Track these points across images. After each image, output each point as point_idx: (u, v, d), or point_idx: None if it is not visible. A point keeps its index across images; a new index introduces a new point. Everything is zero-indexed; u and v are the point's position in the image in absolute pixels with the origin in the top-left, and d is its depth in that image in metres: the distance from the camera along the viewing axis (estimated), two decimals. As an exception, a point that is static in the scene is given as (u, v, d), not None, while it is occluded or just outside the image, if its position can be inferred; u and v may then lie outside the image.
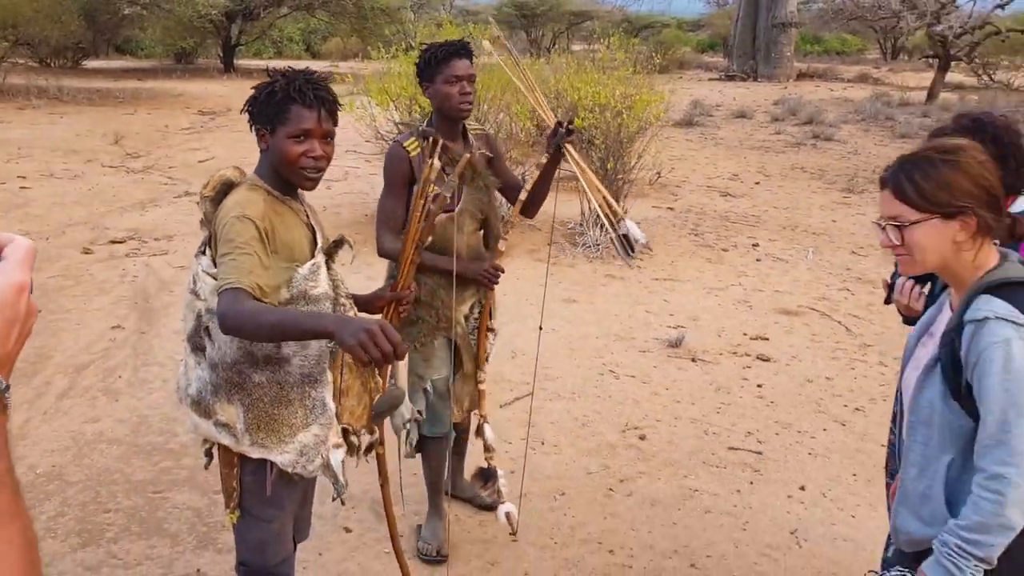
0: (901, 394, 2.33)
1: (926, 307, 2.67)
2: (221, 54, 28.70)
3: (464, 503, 4.07)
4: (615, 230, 3.28)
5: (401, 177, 3.42)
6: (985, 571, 1.98)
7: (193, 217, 9.43)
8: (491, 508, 3.92)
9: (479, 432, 3.76)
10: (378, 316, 2.80)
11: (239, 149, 12.76)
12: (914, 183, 2.02)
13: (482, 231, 3.64)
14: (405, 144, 3.43)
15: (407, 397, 2.83)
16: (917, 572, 2.06)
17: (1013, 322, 1.93)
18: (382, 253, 3.45)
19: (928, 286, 2.83)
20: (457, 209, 3.42)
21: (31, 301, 0.89)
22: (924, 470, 2.12)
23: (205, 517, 3.95)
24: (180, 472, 4.32)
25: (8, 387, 0.88)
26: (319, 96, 2.43)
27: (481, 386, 3.70)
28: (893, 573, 2.17)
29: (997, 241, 2.22)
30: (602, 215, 3.27)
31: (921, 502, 2.13)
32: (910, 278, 2.85)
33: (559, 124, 3.34)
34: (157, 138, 14.50)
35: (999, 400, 1.91)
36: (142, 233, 8.78)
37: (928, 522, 2.11)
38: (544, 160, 3.44)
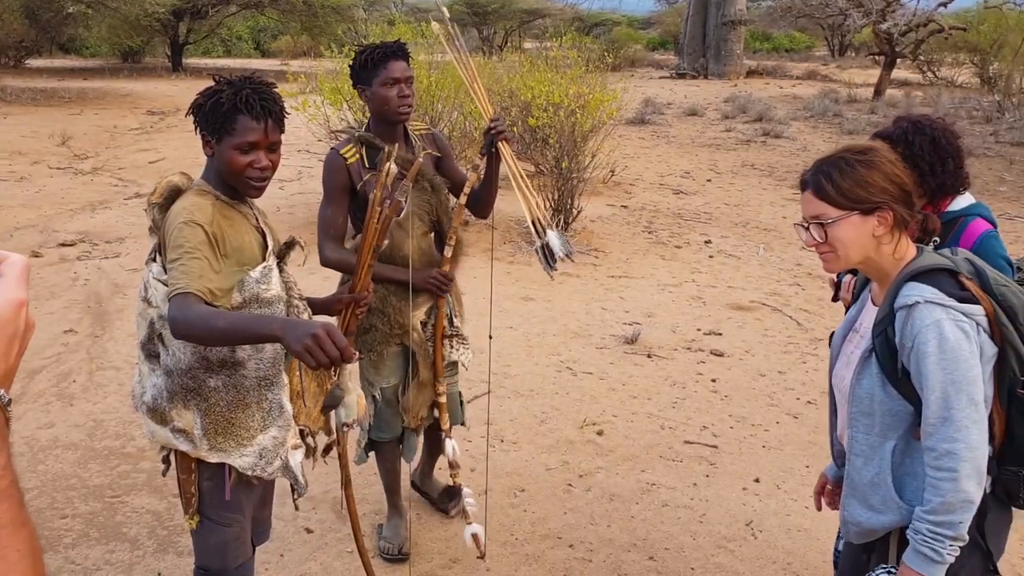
0: (833, 392, 2.42)
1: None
2: (169, 53, 28.39)
3: (427, 502, 4.08)
4: (540, 237, 3.18)
5: (340, 185, 3.39)
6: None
7: (145, 219, 9.32)
8: (446, 512, 3.96)
9: (443, 449, 3.68)
10: (334, 319, 2.81)
11: (190, 149, 12.61)
12: (833, 182, 2.14)
13: (434, 233, 3.58)
14: (342, 151, 3.39)
15: (347, 399, 2.77)
16: (900, 565, 2.13)
17: (941, 304, 2.04)
18: (324, 262, 3.42)
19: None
20: (403, 212, 3.39)
21: (28, 316, 0.91)
22: (870, 459, 2.20)
23: (165, 520, 3.93)
24: (138, 476, 4.29)
25: (10, 400, 0.90)
26: (266, 107, 2.41)
27: (441, 399, 3.59)
28: (879, 572, 2.24)
29: (937, 240, 2.32)
30: (529, 221, 3.17)
31: (871, 490, 2.21)
32: (855, 275, 2.93)
33: (492, 121, 3.27)
34: (105, 139, 14.31)
35: (938, 379, 2.01)
36: (93, 235, 8.67)
37: (879, 509, 2.19)
38: (479, 161, 3.38)
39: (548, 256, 3.16)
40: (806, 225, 2.20)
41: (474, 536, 3.40)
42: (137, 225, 8.94)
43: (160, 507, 4.03)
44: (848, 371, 2.26)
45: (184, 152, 12.69)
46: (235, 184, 2.47)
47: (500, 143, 3.26)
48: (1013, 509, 2.24)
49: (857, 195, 2.12)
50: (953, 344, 2.01)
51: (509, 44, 34.83)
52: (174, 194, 2.48)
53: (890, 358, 2.11)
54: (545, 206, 8.80)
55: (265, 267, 2.49)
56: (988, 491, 2.13)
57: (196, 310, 2.18)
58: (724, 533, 3.98)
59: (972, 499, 2.02)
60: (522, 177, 3.17)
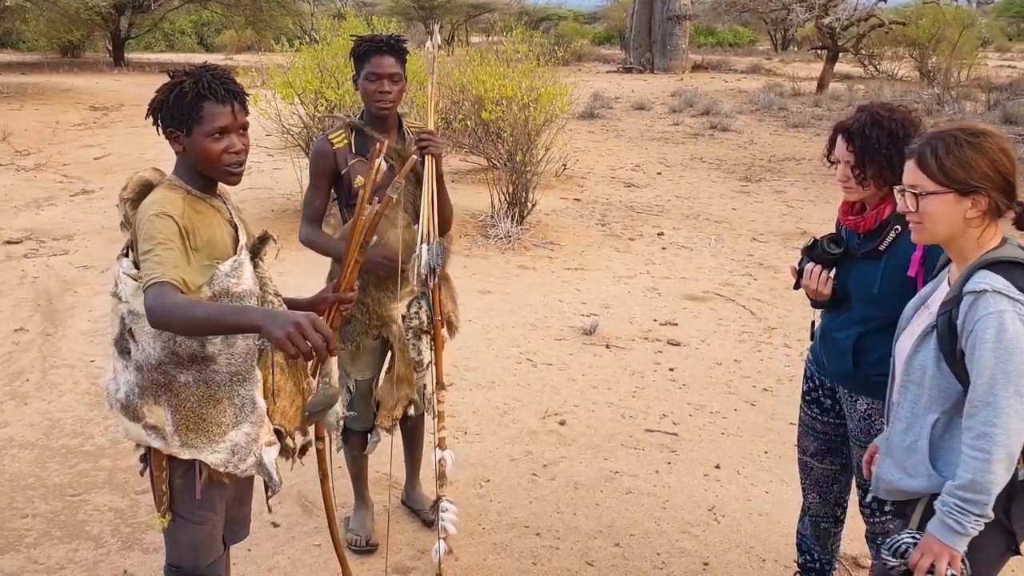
0: (895, 360, 2.49)
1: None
2: (110, 47, 27.85)
3: (410, 512, 4.02)
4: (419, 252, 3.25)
5: (323, 171, 3.44)
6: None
7: (94, 216, 9.18)
8: (431, 524, 3.82)
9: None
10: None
11: (136, 145, 12.44)
12: (937, 157, 2.20)
13: (418, 226, 3.47)
14: (330, 137, 3.44)
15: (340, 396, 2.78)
16: (924, 533, 2.23)
17: (1008, 296, 2.11)
18: (302, 241, 3.50)
19: (834, 272, 2.96)
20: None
21: None
22: (912, 426, 2.32)
23: (128, 518, 3.89)
24: (98, 474, 4.24)
25: None
26: (229, 90, 2.40)
27: (440, 407, 3.44)
28: (904, 536, 2.32)
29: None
30: (419, 235, 3.26)
31: (906, 454, 2.33)
32: (817, 264, 2.98)
33: (422, 132, 3.30)
34: (48, 135, 14.02)
35: (989, 366, 2.10)
36: (39, 233, 8.51)
37: (910, 473, 2.31)
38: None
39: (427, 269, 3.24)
40: (903, 191, 2.27)
41: (439, 552, 3.39)
42: (85, 222, 8.80)
43: (122, 504, 3.98)
44: (909, 341, 2.35)
45: (130, 148, 12.48)
46: (213, 174, 2.44)
47: (426, 157, 3.30)
48: None
49: (957, 175, 2.17)
50: (1011, 336, 2.08)
51: (456, 39, 34.78)
52: (145, 189, 2.46)
53: (949, 338, 2.20)
54: (500, 200, 8.82)
55: (236, 261, 2.46)
56: (1021, 479, 2.21)
57: (174, 299, 2.14)
58: (687, 519, 4.04)
59: (999, 482, 2.12)
60: (432, 199, 3.27)
